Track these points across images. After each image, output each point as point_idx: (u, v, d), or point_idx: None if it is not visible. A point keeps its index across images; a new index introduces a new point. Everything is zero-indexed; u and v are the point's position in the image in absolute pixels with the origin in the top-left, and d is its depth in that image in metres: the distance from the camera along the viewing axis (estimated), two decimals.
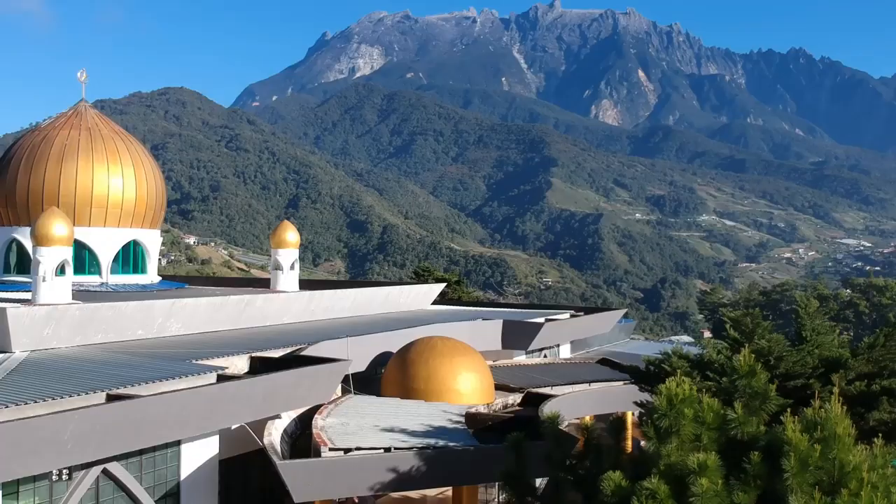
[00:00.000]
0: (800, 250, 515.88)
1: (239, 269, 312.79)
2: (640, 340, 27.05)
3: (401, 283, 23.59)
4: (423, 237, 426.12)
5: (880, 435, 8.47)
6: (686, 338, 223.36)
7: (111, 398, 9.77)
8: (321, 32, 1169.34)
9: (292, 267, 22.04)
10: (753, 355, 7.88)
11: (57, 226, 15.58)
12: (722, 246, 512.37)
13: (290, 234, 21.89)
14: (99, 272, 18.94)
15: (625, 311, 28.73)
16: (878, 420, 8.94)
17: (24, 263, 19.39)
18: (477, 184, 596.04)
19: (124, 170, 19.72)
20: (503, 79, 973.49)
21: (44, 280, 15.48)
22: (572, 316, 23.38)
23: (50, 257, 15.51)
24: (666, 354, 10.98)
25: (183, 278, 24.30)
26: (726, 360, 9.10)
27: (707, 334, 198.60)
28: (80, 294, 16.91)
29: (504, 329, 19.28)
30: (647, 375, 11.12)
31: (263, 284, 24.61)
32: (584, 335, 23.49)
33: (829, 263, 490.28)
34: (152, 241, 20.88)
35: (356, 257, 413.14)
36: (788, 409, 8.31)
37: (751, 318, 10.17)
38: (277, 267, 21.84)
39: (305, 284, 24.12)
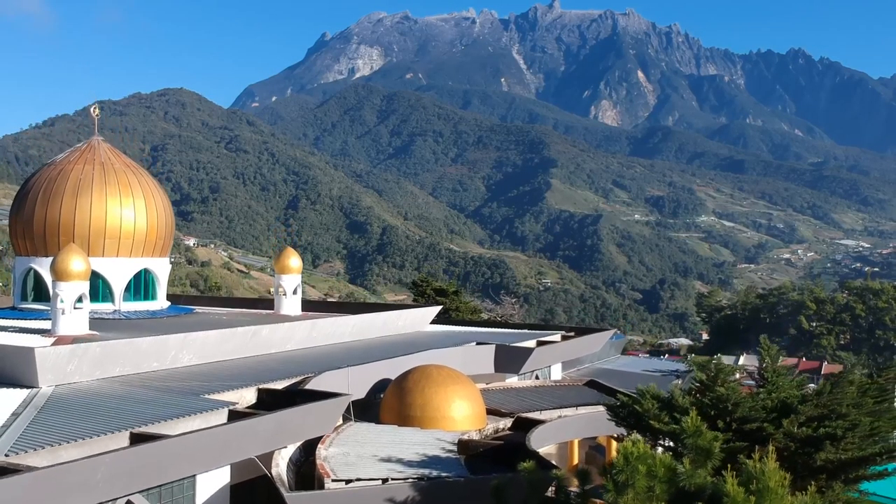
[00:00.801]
0: (799, 251, 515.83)
1: (238, 270, 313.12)
2: (630, 357, 27.96)
3: (400, 305, 24.59)
4: (423, 238, 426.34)
5: (824, 475, 9.56)
6: (684, 340, 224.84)
7: (135, 437, 10.83)
8: (321, 33, 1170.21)
9: (295, 291, 23.24)
10: (699, 418, 8.94)
11: (75, 262, 16.72)
12: (721, 247, 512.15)
13: (293, 260, 23.07)
14: (112, 300, 20.07)
15: (614, 331, 29.75)
16: (823, 460, 9.94)
17: (41, 291, 20.53)
18: (476, 185, 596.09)
19: (136, 202, 20.85)
20: (502, 79, 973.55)
21: (63, 313, 16.65)
22: (563, 337, 24.40)
23: (69, 291, 16.67)
24: (640, 393, 12.02)
25: (189, 299, 25.23)
26: (683, 411, 10.15)
27: (705, 335, 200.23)
28: (95, 322, 17.96)
29: (496, 353, 20.39)
30: (623, 413, 12.21)
31: (267, 305, 25.69)
32: (575, 356, 24.55)
33: (828, 264, 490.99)
34: (162, 268, 22.02)
35: (355, 258, 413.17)
36: (743, 453, 9.40)
37: (715, 366, 11.19)
38: (281, 291, 23.02)
39: (307, 305, 25.14)
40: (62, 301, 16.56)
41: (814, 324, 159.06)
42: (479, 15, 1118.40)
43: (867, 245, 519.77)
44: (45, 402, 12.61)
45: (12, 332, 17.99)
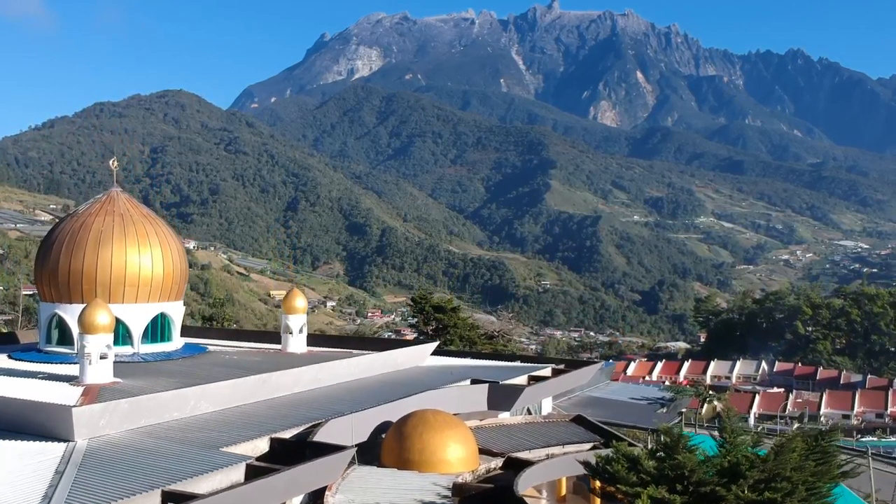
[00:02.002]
0: (797, 252, 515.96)
1: (238, 273, 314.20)
2: (618, 384, 29.31)
3: (399, 342, 26.17)
4: (422, 240, 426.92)
5: None
6: (682, 343, 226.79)
7: (166, 495, 12.44)
8: (320, 34, 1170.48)
9: (301, 330, 24.92)
10: (650, 500, 10.47)
11: (101, 316, 18.35)
12: (720, 248, 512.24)
13: (299, 301, 24.79)
14: (131, 343, 21.65)
15: (602, 363, 31.20)
16: None
17: (65, 336, 22.19)
18: (475, 186, 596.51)
19: (153, 251, 22.46)
20: (502, 80, 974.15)
21: (90, 363, 18.29)
22: (554, 371, 25.94)
23: (95, 343, 18.30)
24: (615, 451, 13.48)
25: (199, 331, 26.66)
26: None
27: (703, 337, 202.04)
28: (116, 365, 19.51)
29: (490, 392, 22.02)
30: (598, 469, 13.70)
31: (275, 339, 27.34)
32: (564, 389, 26.07)
33: (827, 265, 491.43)
34: (177, 311, 23.66)
35: (355, 260, 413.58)
36: None
37: (676, 435, 12.59)
38: (287, 330, 24.71)
39: (312, 339, 26.64)
40: (89, 352, 18.19)
41: (810, 328, 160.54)
42: (479, 16, 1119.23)
43: (866, 246, 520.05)
44: (83, 459, 14.19)
45: (41, 378, 19.59)
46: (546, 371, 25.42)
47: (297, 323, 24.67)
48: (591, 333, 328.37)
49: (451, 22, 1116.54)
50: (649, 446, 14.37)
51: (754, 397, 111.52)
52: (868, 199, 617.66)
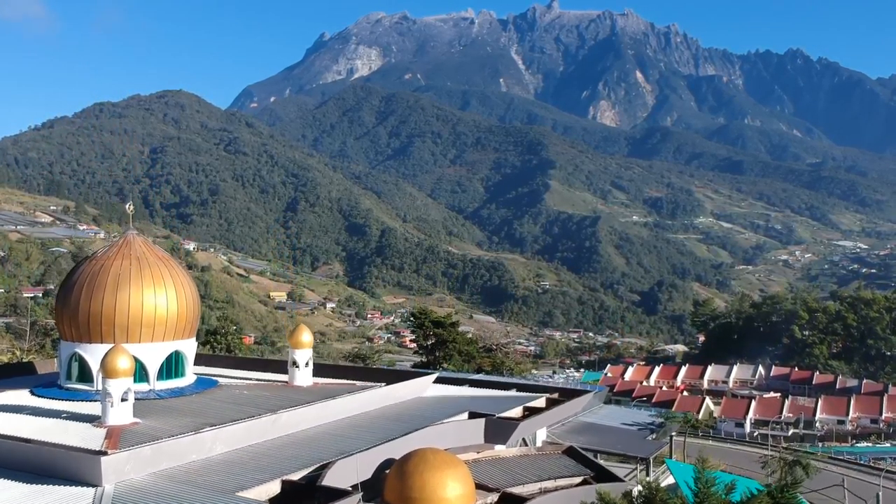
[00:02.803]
0: (796, 252, 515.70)
1: (238, 274, 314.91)
2: (610, 408, 30.30)
3: (402, 372, 27.38)
4: (422, 240, 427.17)
5: None
6: (680, 346, 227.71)
7: None
8: (319, 33, 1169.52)
9: (307, 364, 26.21)
10: None
11: (122, 361, 19.60)
12: (719, 248, 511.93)
13: (305, 336, 26.06)
14: (147, 380, 22.88)
15: (595, 390, 32.42)
16: None
17: (85, 373, 23.47)
18: (475, 186, 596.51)
19: (167, 291, 23.68)
20: (501, 80, 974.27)
21: (112, 405, 19.57)
22: (548, 401, 27.10)
23: (116, 387, 19.57)
24: (598, 496, 14.74)
25: (209, 359, 27.79)
26: None
27: (702, 338, 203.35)
28: (133, 403, 20.72)
29: (486, 426, 23.31)
30: None
31: (282, 369, 28.54)
32: (558, 420, 27.27)
33: (826, 266, 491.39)
34: (189, 348, 24.91)
35: (354, 261, 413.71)
36: None
37: (654, 489, 13.76)
38: (294, 364, 26.01)
39: (318, 369, 27.66)
40: (111, 396, 19.48)
41: (806, 332, 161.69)
42: (478, 15, 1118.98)
43: (865, 246, 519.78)
44: None
45: (65, 417, 20.84)
46: (540, 401, 26.58)
47: (303, 357, 25.97)
48: (591, 334, 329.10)
49: (451, 22, 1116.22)
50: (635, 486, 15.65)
51: (750, 403, 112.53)
52: (867, 199, 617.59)
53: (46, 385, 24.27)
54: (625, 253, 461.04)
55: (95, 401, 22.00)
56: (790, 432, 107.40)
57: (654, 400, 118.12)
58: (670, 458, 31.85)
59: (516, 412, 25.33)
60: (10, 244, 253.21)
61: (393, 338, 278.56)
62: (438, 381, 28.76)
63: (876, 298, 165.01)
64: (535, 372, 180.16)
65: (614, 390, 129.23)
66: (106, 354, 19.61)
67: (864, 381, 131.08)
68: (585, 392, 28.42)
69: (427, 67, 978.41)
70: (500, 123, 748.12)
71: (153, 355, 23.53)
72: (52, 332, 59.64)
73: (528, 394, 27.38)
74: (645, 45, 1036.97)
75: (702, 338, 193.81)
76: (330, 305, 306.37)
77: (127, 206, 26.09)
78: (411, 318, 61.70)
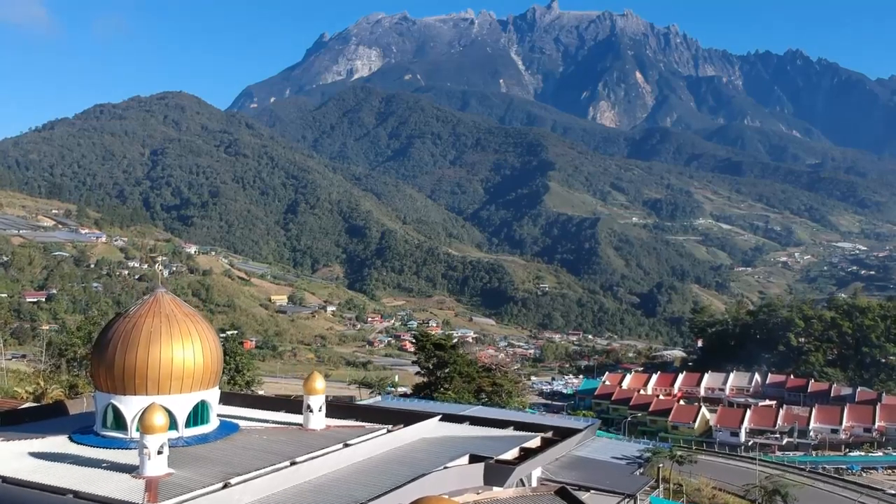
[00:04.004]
0: (796, 254, 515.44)
1: (239, 278, 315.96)
2: (602, 441, 32.07)
3: (408, 413, 29.22)
4: (422, 242, 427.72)
5: None
6: (678, 352, 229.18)
7: None
8: (319, 34, 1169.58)
9: (320, 409, 28.19)
10: None
11: (158, 418, 21.47)
12: (718, 250, 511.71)
13: (319, 383, 27.98)
14: (177, 428, 24.73)
15: (586, 427, 34.30)
16: None
17: (119, 422, 25.42)
18: (475, 187, 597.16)
19: (194, 346, 25.55)
20: (501, 80, 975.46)
21: (149, 458, 21.50)
22: (542, 441, 28.97)
23: (153, 442, 21.46)
24: None
25: (225, 396, 29.39)
26: None
27: (700, 342, 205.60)
28: None
29: (486, 470, 25.20)
30: None
31: (296, 408, 30.45)
32: (553, 459, 29.09)
33: (825, 267, 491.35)
34: (213, 396, 26.77)
35: (354, 263, 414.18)
36: None
37: None
38: (308, 409, 28.05)
39: (331, 410, 29.36)
40: (148, 449, 21.41)
41: (802, 339, 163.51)
42: (478, 16, 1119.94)
43: (863, 248, 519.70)
44: None
45: (105, 467, 22.69)
46: (536, 441, 28.52)
47: (317, 402, 27.93)
48: (590, 337, 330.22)
49: (451, 22, 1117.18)
50: None
51: (745, 412, 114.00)
52: (866, 200, 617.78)
53: (83, 431, 26.11)
54: (624, 255, 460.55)
55: (130, 449, 23.80)
56: (784, 441, 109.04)
57: (651, 409, 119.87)
58: (658, 486, 33.74)
59: (513, 453, 27.23)
60: (12, 248, 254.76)
61: (393, 341, 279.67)
62: (441, 418, 30.67)
63: (871, 306, 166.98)
64: (535, 378, 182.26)
65: (612, 399, 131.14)
66: (144, 412, 21.47)
67: (859, 389, 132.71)
68: (578, 431, 30.15)
69: (427, 68, 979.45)
70: (499, 124, 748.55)
71: (182, 405, 25.40)
72: (65, 351, 61.56)
73: (524, 433, 29.18)
74: (644, 46, 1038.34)
75: (700, 342, 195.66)
76: (330, 309, 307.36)
77: (156, 266, 28.08)
78: (413, 341, 63.68)
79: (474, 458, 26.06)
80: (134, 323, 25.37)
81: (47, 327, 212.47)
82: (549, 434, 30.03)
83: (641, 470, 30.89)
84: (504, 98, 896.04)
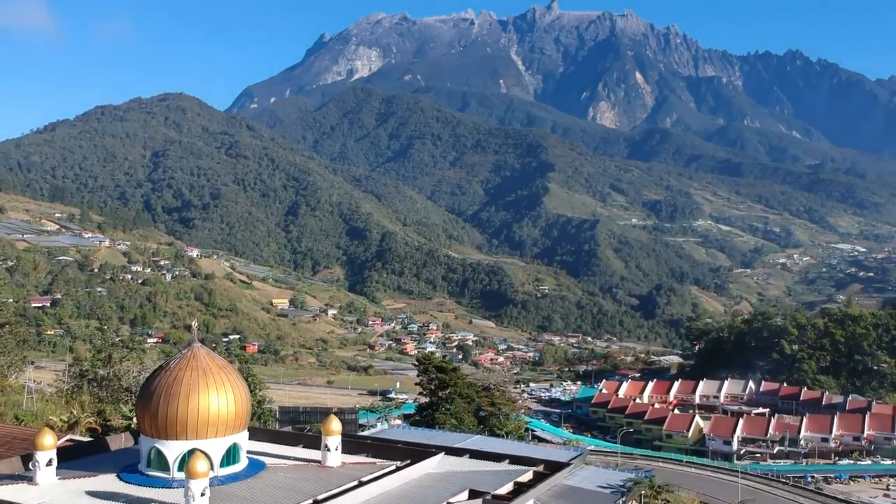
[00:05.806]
0: (794, 256, 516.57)
1: (241, 281, 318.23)
2: (590, 469, 34.58)
3: (415, 451, 32.41)
4: (422, 244, 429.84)
5: None
6: (675, 357, 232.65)
7: None
8: (319, 34, 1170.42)
9: (336, 448, 31.47)
10: None
11: (201, 465, 24.64)
12: (717, 251, 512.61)
13: (335, 425, 31.31)
14: (212, 468, 27.97)
15: (575, 457, 37.52)
16: None
17: (162, 463, 28.76)
18: (475, 188, 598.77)
19: (227, 395, 28.77)
20: (501, 81, 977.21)
21: (193, 500, 24.78)
22: (535, 475, 32.34)
23: (196, 486, 24.64)
24: None
25: (251, 432, 32.42)
26: None
27: (698, 346, 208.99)
28: None
29: None
30: None
31: (312, 443, 33.78)
32: (545, 490, 32.34)
33: (824, 269, 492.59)
34: (243, 438, 30.07)
35: (355, 265, 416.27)
36: None
37: None
38: (326, 448, 31.44)
39: (347, 445, 32.55)
40: (192, 491, 24.64)
41: (795, 347, 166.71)
42: (478, 16, 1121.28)
43: (862, 249, 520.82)
44: None
45: None
46: (528, 475, 32.00)
47: (334, 442, 31.30)
48: (589, 339, 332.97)
49: (451, 22, 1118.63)
50: None
51: (738, 421, 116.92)
52: (865, 201, 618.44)
53: (129, 470, 29.39)
54: (623, 256, 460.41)
55: (173, 488, 27.13)
56: (776, 450, 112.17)
57: (646, 417, 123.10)
58: None
59: (508, 488, 30.74)
60: (17, 253, 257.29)
61: (394, 344, 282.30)
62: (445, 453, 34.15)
63: (863, 315, 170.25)
64: (533, 385, 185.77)
65: (608, 407, 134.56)
66: (190, 460, 24.63)
67: (850, 397, 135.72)
68: (566, 465, 33.68)
69: (427, 68, 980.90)
70: (499, 125, 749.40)
71: (217, 448, 28.61)
72: (86, 373, 64.84)
73: (518, 467, 32.79)
74: (644, 46, 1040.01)
75: (698, 346, 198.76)
76: (331, 312, 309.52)
77: (193, 324, 31.40)
78: (416, 363, 67.03)
79: (473, 494, 29.34)
80: (174, 376, 28.69)
81: (52, 332, 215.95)
82: (541, 468, 33.41)
83: (624, 499, 34.24)
84: (504, 98, 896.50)
